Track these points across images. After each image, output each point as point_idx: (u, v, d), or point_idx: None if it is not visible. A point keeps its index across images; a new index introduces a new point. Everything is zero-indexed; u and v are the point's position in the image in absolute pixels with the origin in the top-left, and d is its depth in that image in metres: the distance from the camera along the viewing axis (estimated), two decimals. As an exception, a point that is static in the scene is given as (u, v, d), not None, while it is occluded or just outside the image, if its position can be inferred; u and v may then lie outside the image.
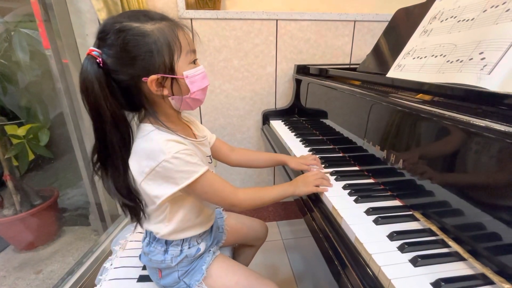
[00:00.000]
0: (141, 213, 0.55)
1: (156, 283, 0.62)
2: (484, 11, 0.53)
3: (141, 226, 0.58)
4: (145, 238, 0.62)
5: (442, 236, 0.45)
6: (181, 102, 0.52)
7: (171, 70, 0.48)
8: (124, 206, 0.54)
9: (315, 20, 1.24)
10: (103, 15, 0.93)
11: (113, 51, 0.46)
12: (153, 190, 0.50)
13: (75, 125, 1.14)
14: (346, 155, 0.80)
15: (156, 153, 0.48)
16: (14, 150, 1.24)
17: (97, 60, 0.45)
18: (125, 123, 0.50)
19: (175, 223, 0.56)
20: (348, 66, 1.21)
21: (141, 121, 0.54)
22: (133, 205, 0.53)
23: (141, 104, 0.52)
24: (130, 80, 0.47)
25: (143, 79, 0.47)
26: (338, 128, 0.86)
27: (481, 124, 0.39)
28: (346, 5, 1.28)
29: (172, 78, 0.49)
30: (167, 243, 0.59)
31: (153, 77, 0.47)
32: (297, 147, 0.88)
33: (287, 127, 1.11)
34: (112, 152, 0.49)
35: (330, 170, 0.70)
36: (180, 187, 0.50)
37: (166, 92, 0.49)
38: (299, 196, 0.68)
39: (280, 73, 1.32)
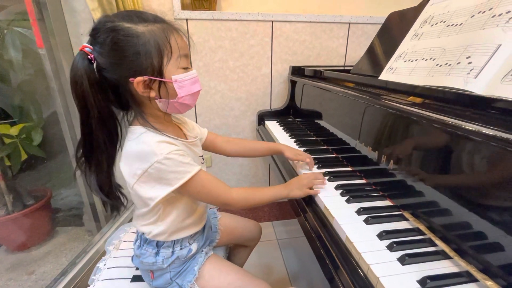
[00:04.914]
0: (122, 208, 0.56)
1: (148, 284, 0.62)
2: (472, 17, 0.55)
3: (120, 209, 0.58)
4: (136, 240, 0.62)
5: (429, 235, 0.46)
6: (168, 105, 0.51)
7: (159, 73, 0.48)
8: (105, 202, 0.55)
9: (310, 22, 1.25)
10: (97, 15, 0.93)
11: (103, 50, 0.46)
12: (146, 192, 0.50)
13: (69, 125, 1.13)
14: (339, 156, 0.82)
15: (148, 155, 0.48)
16: (7, 149, 1.22)
17: (89, 57, 0.46)
18: (113, 120, 0.51)
19: (167, 223, 0.56)
20: (342, 68, 1.22)
21: (130, 123, 0.54)
22: (113, 202, 0.54)
23: (129, 104, 0.52)
24: (118, 79, 0.48)
25: (130, 79, 0.47)
26: (332, 129, 0.87)
27: (467, 127, 0.40)
28: (341, 7, 1.29)
29: (160, 81, 0.49)
30: (158, 245, 0.59)
31: (140, 78, 0.47)
32: (291, 148, 0.89)
33: (282, 127, 1.11)
34: (97, 148, 0.49)
35: (323, 170, 0.71)
36: (174, 187, 0.50)
37: (153, 94, 0.49)
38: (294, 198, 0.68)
39: (275, 74, 1.32)
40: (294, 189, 0.62)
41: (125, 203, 0.56)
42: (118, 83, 0.48)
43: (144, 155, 0.48)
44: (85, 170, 0.52)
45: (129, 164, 0.50)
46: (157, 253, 0.58)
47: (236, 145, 0.77)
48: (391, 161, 0.57)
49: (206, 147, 0.73)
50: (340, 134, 0.82)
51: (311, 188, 0.62)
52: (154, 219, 0.56)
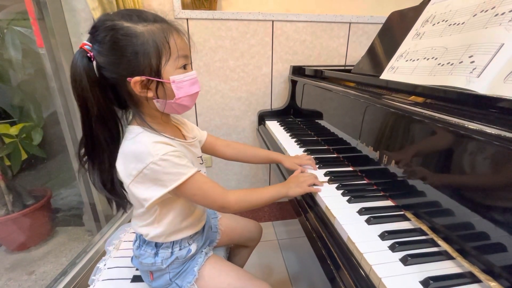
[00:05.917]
0: (127, 205, 0.56)
1: (148, 285, 0.62)
2: (474, 15, 0.54)
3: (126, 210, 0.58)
4: (135, 241, 0.62)
5: (432, 235, 0.46)
6: (165, 105, 0.51)
7: (157, 73, 0.48)
8: (110, 199, 0.55)
9: (311, 21, 1.25)
10: (97, 14, 0.93)
11: (102, 48, 0.46)
12: (141, 193, 0.50)
13: (69, 124, 1.13)
14: (340, 155, 0.81)
15: (143, 155, 0.47)
16: (6, 149, 1.22)
17: (88, 54, 0.46)
18: (113, 118, 0.51)
19: (164, 225, 0.56)
20: (343, 68, 1.22)
21: (129, 123, 0.54)
22: (117, 199, 0.54)
23: (127, 103, 0.52)
24: (116, 78, 0.48)
25: (128, 79, 0.46)
26: (333, 129, 0.87)
27: (470, 127, 0.40)
28: (341, 7, 1.29)
29: (158, 82, 0.48)
30: (157, 245, 0.58)
31: (137, 78, 0.46)
32: (292, 148, 0.89)
33: (283, 127, 1.11)
34: (98, 146, 0.50)
35: (324, 170, 0.71)
36: (169, 189, 0.49)
37: (150, 94, 0.49)
38: (293, 197, 0.68)
39: (275, 74, 1.32)
40: (293, 187, 0.62)
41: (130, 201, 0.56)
42: (116, 82, 0.48)
43: (140, 155, 0.48)
44: (88, 168, 0.52)
45: (125, 164, 0.49)
46: (156, 254, 0.58)
47: (235, 150, 0.77)
48: (393, 161, 0.57)
49: (205, 150, 0.73)
50: (341, 134, 0.81)
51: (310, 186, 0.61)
52: (150, 221, 0.55)
